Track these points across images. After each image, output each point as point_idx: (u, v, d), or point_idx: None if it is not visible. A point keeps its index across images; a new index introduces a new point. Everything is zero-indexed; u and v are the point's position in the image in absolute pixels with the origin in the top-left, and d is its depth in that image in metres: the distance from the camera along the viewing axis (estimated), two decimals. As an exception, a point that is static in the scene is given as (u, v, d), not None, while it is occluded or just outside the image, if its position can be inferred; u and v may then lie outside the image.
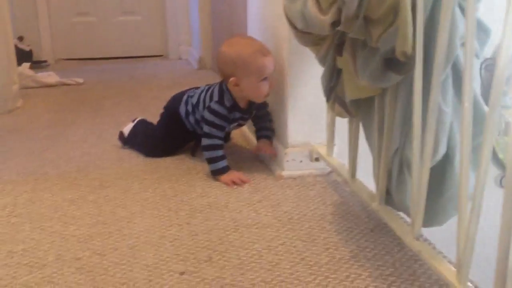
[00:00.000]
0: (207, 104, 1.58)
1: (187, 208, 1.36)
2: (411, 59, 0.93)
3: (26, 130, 2.07)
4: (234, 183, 1.50)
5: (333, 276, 1.05)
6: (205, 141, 1.55)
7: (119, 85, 2.92)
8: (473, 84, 0.83)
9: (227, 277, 1.05)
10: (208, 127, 1.55)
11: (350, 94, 1.15)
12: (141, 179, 1.56)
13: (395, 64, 0.97)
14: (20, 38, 3.38)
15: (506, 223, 0.74)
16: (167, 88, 2.80)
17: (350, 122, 1.29)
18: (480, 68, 1.66)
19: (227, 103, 1.56)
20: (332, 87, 1.24)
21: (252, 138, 1.74)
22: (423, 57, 0.92)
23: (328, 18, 1.05)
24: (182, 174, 1.59)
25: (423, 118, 0.94)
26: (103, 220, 1.30)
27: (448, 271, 0.92)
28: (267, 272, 1.06)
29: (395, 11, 0.91)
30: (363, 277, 1.04)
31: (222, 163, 1.54)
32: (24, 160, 1.73)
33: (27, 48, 3.34)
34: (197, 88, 1.75)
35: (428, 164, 0.95)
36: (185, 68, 3.46)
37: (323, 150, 1.52)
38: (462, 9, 0.91)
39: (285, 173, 1.54)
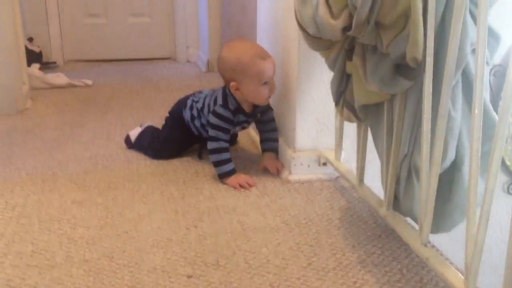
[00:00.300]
0: (211, 108, 1.59)
1: (194, 211, 1.36)
2: (421, 65, 0.93)
3: (35, 131, 2.08)
4: (241, 186, 1.50)
5: (340, 281, 1.05)
6: (211, 145, 1.56)
7: (127, 87, 2.93)
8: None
9: (235, 281, 1.05)
10: (213, 130, 1.56)
11: (359, 99, 1.15)
12: (149, 181, 1.56)
13: (405, 69, 0.97)
14: (30, 39, 3.39)
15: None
16: (175, 90, 2.80)
17: (359, 127, 1.29)
18: (489, 74, 1.65)
19: (231, 106, 1.57)
20: (341, 91, 1.24)
21: (258, 139, 1.73)
22: (433, 63, 0.92)
23: (339, 23, 1.05)
24: (190, 177, 1.60)
25: (432, 124, 0.94)
26: (111, 222, 1.31)
27: (456, 278, 0.92)
28: (275, 277, 1.07)
29: (406, 16, 0.91)
30: (370, 283, 1.04)
31: (228, 166, 1.54)
32: (32, 161, 1.74)
33: (37, 49, 3.35)
34: (200, 92, 1.75)
35: (437, 171, 0.94)
36: (193, 70, 3.47)
37: (331, 155, 1.52)
38: (473, 16, 0.91)
39: (293, 177, 1.54)
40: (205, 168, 1.65)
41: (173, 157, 1.74)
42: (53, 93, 2.76)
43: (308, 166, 1.55)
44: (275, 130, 1.68)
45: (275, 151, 1.66)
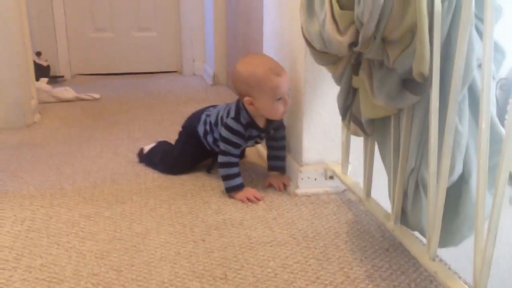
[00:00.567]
0: (224, 120, 1.59)
1: (202, 225, 1.37)
2: (428, 79, 0.94)
3: (43, 145, 2.10)
4: (249, 200, 1.51)
5: (348, 295, 1.05)
6: (221, 158, 1.56)
7: (134, 101, 2.95)
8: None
9: (243, 295, 1.05)
10: (224, 144, 1.56)
11: (366, 113, 1.15)
12: (156, 195, 1.57)
13: (412, 84, 0.98)
14: (38, 54, 3.43)
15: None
16: (182, 104, 2.82)
17: (365, 141, 1.30)
18: (495, 88, 1.65)
19: (243, 120, 1.56)
20: (348, 106, 1.25)
21: (265, 153, 1.74)
22: (440, 78, 0.92)
23: (346, 39, 1.06)
24: (198, 190, 1.60)
25: (439, 139, 0.95)
26: (120, 236, 1.31)
27: (464, 293, 0.92)
28: (283, 291, 1.07)
29: (412, 32, 0.92)
30: (378, 297, 1.04)
31: (237, 181, 1.54)
32: (41, 174, 1.75)
33: (45, 64, 3.38)
34: (214, 106, 1.76)
35: (444, 185, 0.95)
36: (200, 84, 3.49)
37: (337, 169, 1.52)
38: (479, 31, 0.92)
39: (300, 191, 1.55)
40: (213, 182, 1.66)
41: (186, 172, 1.75)
42: (61, 107, 2.79)
43: (315, 179, 1.55)
44: (284, 148, 1.68)
45: (282, 170, 1.67)
